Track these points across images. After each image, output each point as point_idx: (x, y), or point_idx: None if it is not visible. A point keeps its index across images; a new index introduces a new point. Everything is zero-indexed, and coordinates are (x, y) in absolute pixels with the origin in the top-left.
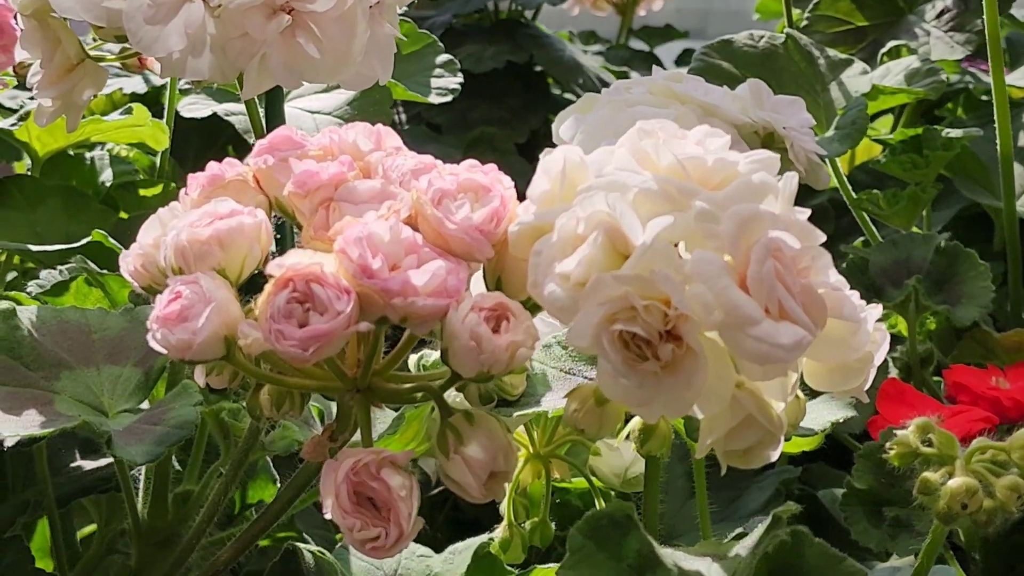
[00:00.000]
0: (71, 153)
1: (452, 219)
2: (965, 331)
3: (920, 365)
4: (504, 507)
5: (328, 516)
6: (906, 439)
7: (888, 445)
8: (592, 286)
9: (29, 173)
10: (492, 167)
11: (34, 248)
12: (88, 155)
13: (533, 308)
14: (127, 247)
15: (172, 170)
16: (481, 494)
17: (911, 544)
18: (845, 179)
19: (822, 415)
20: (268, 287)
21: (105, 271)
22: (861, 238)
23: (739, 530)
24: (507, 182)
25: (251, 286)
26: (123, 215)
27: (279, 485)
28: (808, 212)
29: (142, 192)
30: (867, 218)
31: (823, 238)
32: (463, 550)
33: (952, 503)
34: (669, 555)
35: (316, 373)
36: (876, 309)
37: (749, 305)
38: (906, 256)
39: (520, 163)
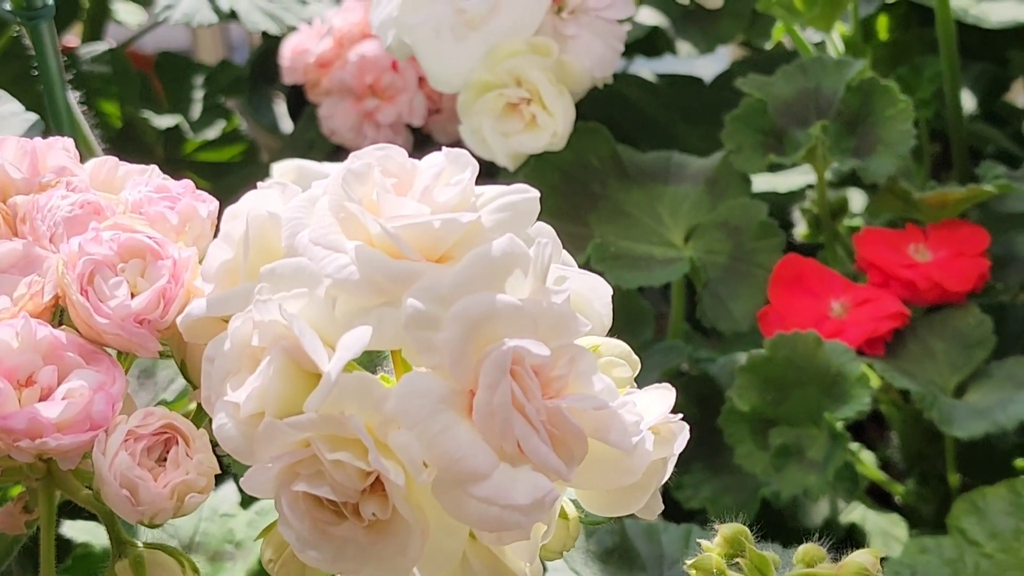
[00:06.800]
0: None
1: (103, 309)
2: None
3: (831, 217)
4: None
5: None
6: (707, 562)
7: (687, 566)
8: (263, 433)
9: None
10: (185, 191)
11: None
12: None
13: None
14: None
15: None
16: None
17: (801, 477)
18: None
19: None
20: None
21: None
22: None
23: None
24: (196, 227)
25: None
26: None
27: None
28: (566, 294)
29: None
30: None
31: (585, 328)
32: (271, 510)
33: None
34: None
35: None
36: (666, 396)
37: (473, 456)
38: (815, 86)
39: None
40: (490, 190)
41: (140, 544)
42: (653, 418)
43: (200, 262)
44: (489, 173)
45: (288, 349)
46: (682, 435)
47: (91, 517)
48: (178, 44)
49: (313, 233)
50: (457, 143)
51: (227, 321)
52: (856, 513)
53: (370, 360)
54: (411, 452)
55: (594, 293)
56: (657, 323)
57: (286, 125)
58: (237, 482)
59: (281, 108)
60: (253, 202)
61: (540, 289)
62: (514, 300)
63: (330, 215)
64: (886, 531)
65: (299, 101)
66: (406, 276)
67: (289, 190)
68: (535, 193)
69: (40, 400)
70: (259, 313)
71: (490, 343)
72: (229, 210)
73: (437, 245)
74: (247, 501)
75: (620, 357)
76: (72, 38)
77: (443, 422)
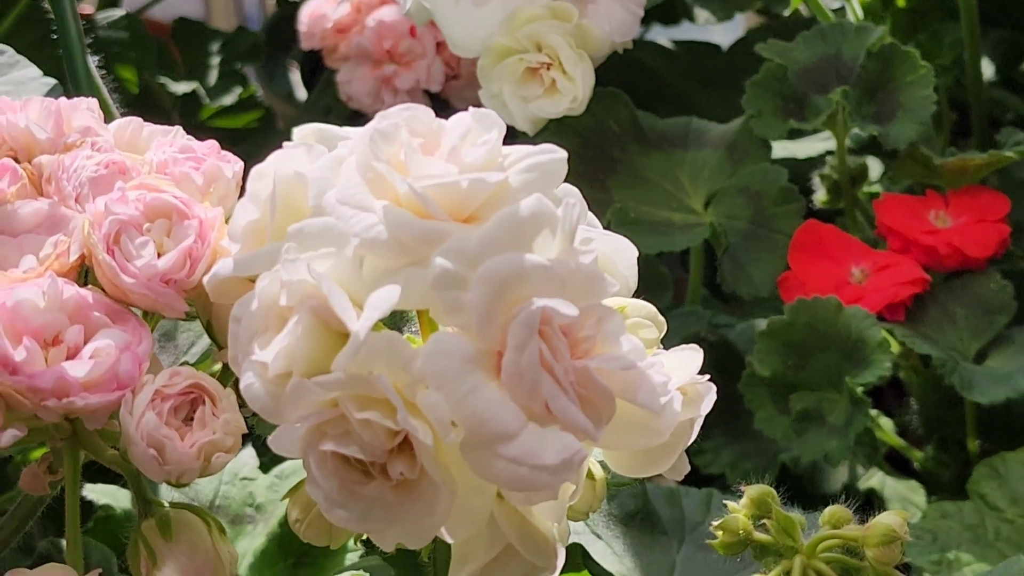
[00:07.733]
0: None
1: (130, 269)
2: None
3: (851, 183)
4: None
5: None
6: (734, 523)
7: (713, 527)
8: (291, 392)
9: None
10: (210, 151)
11: None
12: None
13: None
14: None
15: None
16: None
17: (821, 442)
18: None
19: None
20: None
21: None
22: None
23: None
24: (221, 187)
25: None
26: None
27: None
28: (593, 255)
29: None
30: None
31: (613, 288)
32: (292, 473)
33: None
34: None
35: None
36: (694, 357)
37: (501, 416)
38: (835, 52)
39: None
40: (517, 150)
41: (166, 504)
42: (680, 379)
43: (226, 222)
44: (509, 138)
45: (316, 308)
46: (709, 396)
47: (112, 480)
48: (190, 13)
49: (340, 193)
50: None
51: (254, 281)
52: (875, 479)
53: (395, 321)
54: (439, 412)
55: (619, 254)
56: (675, 289)
57: (300, 93)
58: (257, 446)
59: (295, 76)
60: (280, 162)
61: (568, 249)
62: (542, 260)
63: (357, 175)
64: (905, 497)
65: (313, 69)
66: (434, 236)
67: (315, 150)
68: (563, 153)
69: (67, 359)
70: (287, 272)
71: (518, 303)
72: (255, 170)
73: (465, 205)
74: (267, 465)
75: (646, 318)
76: (87, 6)
77: (471, 382)
